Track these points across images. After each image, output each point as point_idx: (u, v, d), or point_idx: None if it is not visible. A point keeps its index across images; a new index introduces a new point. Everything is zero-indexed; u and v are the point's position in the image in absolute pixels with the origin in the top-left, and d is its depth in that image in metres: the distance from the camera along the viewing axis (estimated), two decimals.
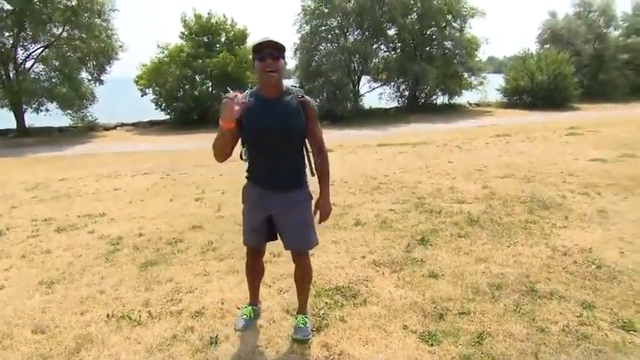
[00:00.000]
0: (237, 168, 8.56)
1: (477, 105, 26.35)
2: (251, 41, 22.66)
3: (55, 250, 3.94)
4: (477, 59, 24.98)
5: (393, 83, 25.12)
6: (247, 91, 2.12)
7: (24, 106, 18.97)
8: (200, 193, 6.05)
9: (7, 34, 18.36)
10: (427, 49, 24.53)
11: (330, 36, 23.25)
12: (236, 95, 1.88)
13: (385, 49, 24.79)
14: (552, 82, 23.97)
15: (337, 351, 2.29)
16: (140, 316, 2.68)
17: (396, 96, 25.62)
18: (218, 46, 21.89)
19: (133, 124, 21.30)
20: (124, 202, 5.72)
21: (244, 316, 2.53)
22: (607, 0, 30.01)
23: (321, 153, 2.24)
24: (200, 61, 20.58)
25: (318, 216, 2.33)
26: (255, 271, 2.54)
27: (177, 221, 4.69)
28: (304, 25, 22.71)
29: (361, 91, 24.25)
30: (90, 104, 20.44)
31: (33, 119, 19.49)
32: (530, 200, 4.89)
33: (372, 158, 8.78)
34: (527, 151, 8.61)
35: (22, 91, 18.09)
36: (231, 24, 22.10)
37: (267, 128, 2.05)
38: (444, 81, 23.85)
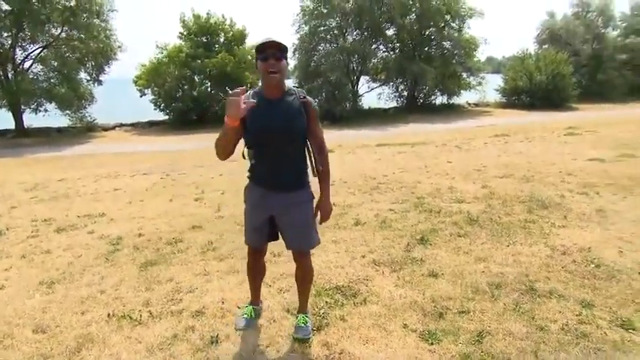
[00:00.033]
0: (236, 168, 8.56)
1: (476, 105, 26.40)
2: (250, 41, 22.73)
3: (55, 250, 3.94)
4: (475, 59, 25.03)
5: (391, 83, 25.15)
6: (250, 91, 2.13)
7: (22, 107, 18.97)
8: (200, 193, 6.06)
9: (5, 34, 18.36)
10: (426, 49, 24.58)
11: (328, 36, 23.27)
12: (242, 92, 1.89)
13: (384, 50, 24.84)
14: (551, 82, 24.04)
15: (338, 350, 2.30)
16: (141, 315, 2.69)
17: (395, 96, 25.65)
18: (217, 46, 21.88)
19: (132, 125, 21.30)
20: (123, 203, 5.72)
21: (245, 316, 2.54)
22: (605, 0, 30.09)
23: (321, 153, 2.25)
24: (199, 61, 20.58)
25: (318, 216, 2.35)
26: (256, 271, 2.55)
27: (177, 221, 4.69)
28: (303, 26, 22.76)
29: (360, 92, 24.27)
30: (89, 105, 20.46)
31: (31, 119, 19.48)
32: (529, 200, 4.90)
33: (371, 158, 8.79)
34: (525, 151, 8.63)
35: (21, 91, 18.09)
36: (230, 24, 22.11)
37: (270, 128, 2.05)
38: (443, 81, 23.89)
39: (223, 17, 22.05)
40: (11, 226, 4.77)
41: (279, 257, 3.43)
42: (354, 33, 23.54)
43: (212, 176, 7.42)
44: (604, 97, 26.88)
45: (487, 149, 9.22)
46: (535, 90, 24.41)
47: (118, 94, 29.94)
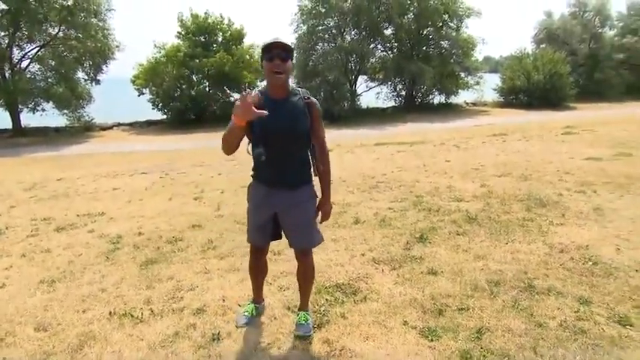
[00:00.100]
0: (235, 167, 8.58)
1: (474, 104, 26.46)
2: (248, 41, 22.72)
3: (55, 249, 3.95)
4: (473, 59, 25.09)
5: (389, 83, 25.16)
6: (255, 90, 2.15)
7: (20, 106, 18.90)
8: (199, 192, 6.06)
9: (2, 33, 18.29)
10: (424, 48, 24.60)
11: (327, 36, 23.28)
12: (254, 95, 1.90)
13: (382, 49, 24.86)
14: (548, 81, 24.11)
15: (338, 347, 2.32)
16: (142, 313, 2.70)
17: (393, 95, 25.68)
18: (215, 45, 21.84)
19: (130, 124, 21.26)
20: (122, 202, 5.73)
21: (246, 313, 2.56)
22: (602, 0, 30.19)
23: (323, 153, 2.29)
24: (197, 60, 20.53)
25: (319, 216, 2.37)
26: (258, 270, 2.56)
27: (177, 220, 4.70)
28: (301, 25, 22.75)
29: (358, 91, 24.29)
30: (86, 104, 20.39)
31: (29, 119, 19.42)
32: (527, 198, 4.93)
33: (369, 157, 8.82)
34: (523, 150, 8.67)
35: (18, 91, 18.01)
36: (228, 24, 22.08)
37: (275, 128, 2.07)
38: (441, 80, 23.92)
39: (221, 17, 22.04)
40: (11, 225, 4.77)
41: (279, 255, 3.45)
42: (352, 32, 23.56)
43: (211, 175, 7.43)
44: (601, 96, 26.99)
45: (485, 148, 9.25)
46: (533, 89, 24.48)
47: (116, 94, 29.84)
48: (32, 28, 18.06)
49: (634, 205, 4.53)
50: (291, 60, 2.10)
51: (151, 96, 21.42)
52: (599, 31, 30.75)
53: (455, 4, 23.18)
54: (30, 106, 19.12)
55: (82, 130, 19.66)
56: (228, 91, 22.33)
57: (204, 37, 21.79)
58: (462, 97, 26.49)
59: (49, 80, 19.49)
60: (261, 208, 2.28)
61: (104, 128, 20.40)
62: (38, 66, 19.56)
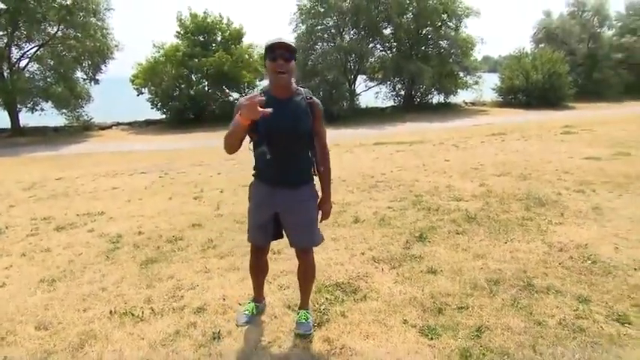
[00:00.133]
0: (235, 167, 8.56)
1: (473, 104, 26.50)
2: (247, 40, 22.77)
3: (55, 248, 3.95)
4: (472, 58, 25.12)
5: (388, 82, 25.19)
6: (259, 90, 2.16)
7: (18, 106, 18.89)
8: (199, 191, 6.06)
9: (1, 33, 18.27)
10: (423, 48, 24.63)
11: (326, 35, 23.29)
12: (259, 96, 1.91)
13: (381, 49, 24.89)
14: (547, 81, 24.16)
15: (339, 345, 2.33)
16: (143, 312, 2.71)
17: (392, 95, 25.70)
18: (214, 45, 21.85)
19: (129, 124, 21.27)
20: (122, 201, 5.73)
21: (246, 312, 2.57)
22: (601, 0, 30.23)
23: (323, 153, 2.31)
24: (196, 60, 20.54)
25: (319, 215, 2.38)
26: (259, 270, 2.57)
27: (177, 219, 4.71)
28: (300, 25, 22.78)
29: (357, 90, 24.31)
30: (85, 104, 20.40)
31: (28, 118, 19.40)
32: (526, 198, 4.94)
33: (368, 157, 8.83)
34: (522, 149, 8.69)
35: (17, 90, 17.99)
36: (227, 23, 22.08)
37: (279, 128, 2.08)
38: (440, 80, 23.94)
39: (220, 16, 22.07)
40: (10, 224, 4.77)
41: (279, 255, 3.46)
42: (351, 32, 23.58)
43: (210, 175, 7.43)
44: (600, 96, 27.06)
45: (484, 148, 9.27)
46: (531, 89, 24.53)
47: (115, 93, 29.84)
48: (31, 28, 18.05)
49: (632, 205, 4.55)
50: (295, 60, 2.11)
51: (149, 95, 21.43)
52: (598, 30, 30.83)
53: (454, 4, 23.21)
54: (29, 105, 19.12)
55: (81, 129, 19.65)
56: (227, 91, 22.35)
57: (203, 37, 21.81)
58: (461, 97, 26.53)
59: (48, 80, 19.49)
60: (263, 207, 2.28)
61: (103, 128, 20.39)
62: (37, 65, 19.56)
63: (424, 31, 24.31)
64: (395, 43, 24.47)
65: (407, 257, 3.41)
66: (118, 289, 3.06)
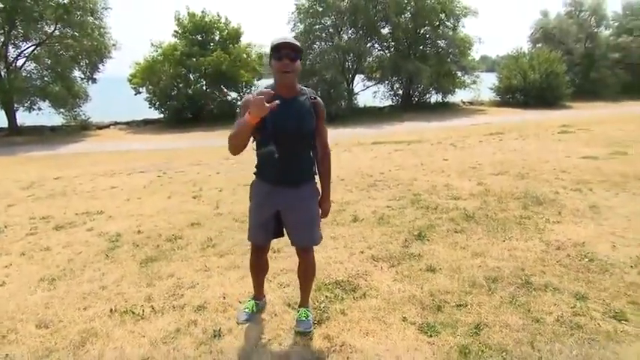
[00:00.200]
0: (233, 166, 8.55)
1: (471, 103, 26.53)
2: (245, 40, 22.73)
3: (54, 247, 3.95)
4: (470, 58, 25.13)
5: (387, 82, 25.19)
6: (262, 89, 2.17)
7: (16, 105, 18.79)
8: (197, 190, 6.07)
9: None
10: (421, 47, 24.64)
11: (324, 35, 23.27)
12: (267, 95, 1.93)
13: (379, 48, 24.88)
14: (544, 80, 24.21)
15: (339, 342, 2.35)
16: (143, 310, 2.72)
17: (390, 94, 25.72)
18: (212, 44, 21.79)
19: (127, 123, 21.18)
20: (121, 200, 5.73)
21: (246, 310, 2.58)
22: (598, 0, 30.34)
23: (325, 152, 2.34)
24: (194, 59, 20.49)
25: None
26: (259, 269, 2.58)
27: (176, 218, 4.71)
28: (298, 24, 22.74)
29: (355, 90, 24.31)
30: (83, 103, 20.32)
31: (25, 118, 19.32)
32: (524, 196, 4.97)
33: (367, 156, 8.85)
34: (520, 148, 8.72)
35: (14, 89, 17.91)
36: (225, 22, 22.04)
37: (284, 128, 2.09)
38: (438, 80, 23.96)
39: (218, 15, 22.00)
40: (9, 224, 4.77)
41: (278, 253, 3.47)
42: (350, 31, 23.58)
43: (209, 174, 7.43)
44: (597, 95, 27.14)
45: (482, 147, 9.30)
46: (529, 88, 24.58)
47: (113, 93, 29.77)
48: (28, 27, 17.95)
49: (629, 203, 4.59)
50: (300, 60, 2.13)
51: (147, 95, 21.36)
52: (595, 30, 30.91)
53: (452, 4, 23.22)
54: (26, 104, 19.03)
55: (79, 129, 19.57)
56: (225, 90, 22.31)
57: (201, 36, 21.76)
58: (459, 97, 26.55)
59: (45, 79, 19.40)
60: (264, 205, 2.30)
61: (101, 127, 20.30)
62: (34, 64, 19.46)
63: (422, 31, 24.32)
64: (393, 43, 24.46)
65: (406, 255, 3.43)
66: (118, 288, 3.07)
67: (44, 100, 19.18)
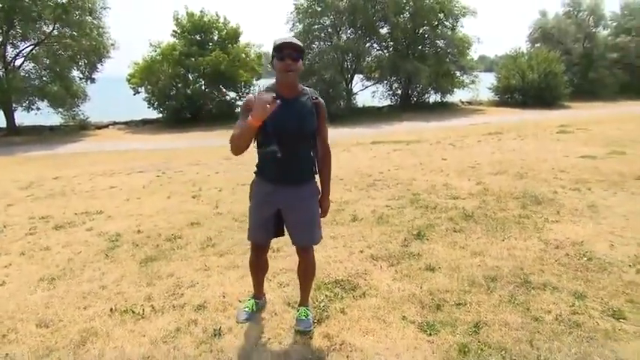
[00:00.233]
0: (232, 167, 8.55)
1: (469, 103, 26.56)
2: (244, 40, 22.71)
3: (54, 246, 3.95)
4: (468, 58, 25.16)
5: (385, 82, 25.21)
6: (264, 88, 2.18)
7: (14, 105, 18.75)
8: (197, 190, 6.07)
9: None
10: (419, 47, 24.66)
11: (323, 34, 23.28)
12: (271, 95, 1.94)
13: (378, 48, 24.89)
14: (543, 80, 24.25)
15: (338, 341, 2.36)
16: (143, 310, 2.72)
17: (389, 94, 25.73)
18: (211, 44, 21.77)
19: (126, 123, 21.14)
20: (120, 200, 5.73)
21: (246, 309, 2.59)
22: (596, 0, 30.40)
23: (325, 152, 2.35)
24: (193, 59, 20.46)
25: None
26: (259, 268, 2.59)
27: (175, 218, 4.72)
28: (297, 24, 22.73)
29: (354, 90, 24.32)
30: (81, 103, 20.28)
31: (23, 117, 19.28)
32: (522, 196, 4.99)
33: (366, 156, 8.86)
34: (519, 148, 8.74)
35: (12, 89, 17.87)
36: (223, 22, 22.01)
37: (285, 128, 2.10)
38: (437, 79, 23.97)
39: (217, 15, 21.97)
40: (8, 223, 4.76)
41: (278, 252, 3.48)
42: (348, 31, 23.59)
43: (208, 174, 7.43)
44: (595, 95, 27.19)
45: (481, 147, 9.32)
46: (528, 88, 24.62)
47: (112, 93, 29.73)
48: (26, 26, 17.91)
49: (627, 202, 4.61)
50: (302, 60, 2.14)
51: (146, 95, 21.32)
52: (593, 30, 30.97)
53: (450, 3, 23.24)
54: (24, 104, 19.00)
55: (77, 128, 19.53)
56: (224, 90, 22.30)
57: (199, 36, 21.73)
58: (458, 96, 26.56)
59: (44, 79, 19.37)
60: (264, 205, 2.30)
61: (99, 127, 20.26)
62: (32, 64, 19.42)
63: (421, 31, 24.33)
64: (392, 43, 24.48)
65: (405, 255, 3.44)
66: (118, 287, 3.07)
67: (43, 100, 19.16)
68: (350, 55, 23.08)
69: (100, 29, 19.95)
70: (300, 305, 2.57)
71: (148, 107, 21.53)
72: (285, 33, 22.52)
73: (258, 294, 2.69)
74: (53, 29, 18.83)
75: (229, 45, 21.72)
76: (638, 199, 4.72)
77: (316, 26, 22.83)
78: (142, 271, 3.34)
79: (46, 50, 19.30)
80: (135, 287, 3.07)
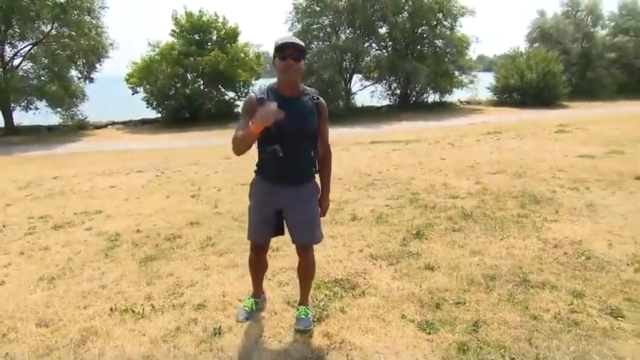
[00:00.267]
0: (232, 166, 8.56)
1: (468, 103, 26.60)
2: (242, 39, 22.72)
3: (53, 246, 3.95)
4: (467, 58, 25.24)
5: (384, 81, 25.25)
6: (265, 87, 2.18)
7: (12, 105, 18.72)
8: (196, 190, 6.07)
9: None
10: (418, 47, 24.70)
11: (321, 34, 23.31)
12: (275, 104, 1.95)
13: (376, 48, 24.94)
14: (541, 80, 24.31)
15: (338, 340, 2.36)
16: (143, 309, 2.73)
17: (388, 94, 25.77)
18: (209, 44, 21.78)
19: (124, 123, 21.14)
20: (119, 200, 5.73)
21: (246, 308, 2.60)
22: (594, 0, 30.47)
23: (326, 152, 2.36)
24: (191, 59, 20.47)
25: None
26: (258, 267, 2.60)
27: (175, 218, 4.72)
28: (296, 24, 22.77)
29: (353, 90, 24.35)
30: (80, 102, 20.26)
31: (21, 117, 19.25)
32: (521, 195, 5.00)
33: (365, 155, 8.87)
34: (517, 148, 8.76)
35: (10, 89, 17.84)
36: (222, 22, 22.02)
37: (287, 127, 2.10)
38: (435, 79, 24.02)
39: (216, 15, 21.99)
40: (7, 223, 4.76)
41: (277, 252, 3.49)
42: (347, 31, 23.61)
43: (207, 174, 7.43)
44: (593, 95, 27.26)
45: (479, 146, 9.34)
46: (526, 88, 24.68)
47: (110, 92, 29.68)
48: (24, 26, 17.89)
49: (625, 202, 4.62)
50: (304, 59, 2.14)
51: (145, 94, 21.33)
52: (592, 30, 31.05)
53: (449, 3, 23.28)
54: (23, 104, 18.97)
55: (76, 128, 19.52)
56: (222, 90, 22.30)
57: (198, 36, 21.73)
58: (457, 96, 26.61)
59: (42, 78, 19.33)
60: (264, 204, 2.31)
61: (98, 127, 20.25)
62: (31, 64, 19.39)
63: (419, 30, 24.38)
64: (390, 42, 24.52)
65: (404, 254, 3.45)
66: (118, 287, 3.07)
67: (41, 100, 19.14)
68: (349, 54, 23.11)
69: (99, 29, 19.93)
70: (299, 304, 2.57)
71: (147, 107, 21.54)
72: (283, 33, 22.51)
73: (258, 293, 2.69)
74: (51, 29, 18.81)
75: (228, 45, 21.73)
76: (636, 199, 4.74)
77: (315, 26, 22.86)
78: (142, 270, 3.34)
79: (45, 50, 19.27)
80: (135, 286, 3.07)
